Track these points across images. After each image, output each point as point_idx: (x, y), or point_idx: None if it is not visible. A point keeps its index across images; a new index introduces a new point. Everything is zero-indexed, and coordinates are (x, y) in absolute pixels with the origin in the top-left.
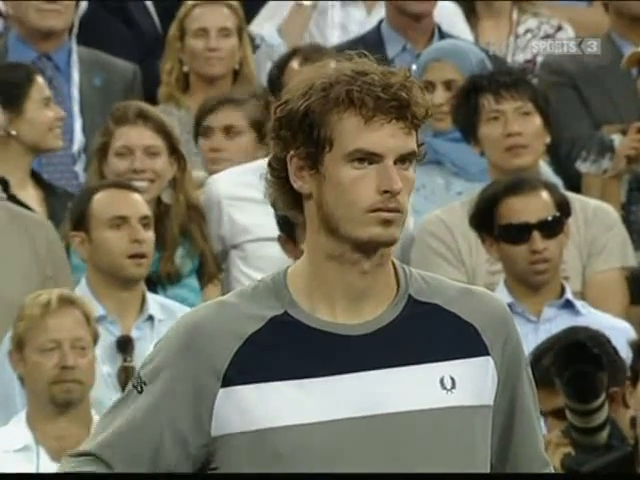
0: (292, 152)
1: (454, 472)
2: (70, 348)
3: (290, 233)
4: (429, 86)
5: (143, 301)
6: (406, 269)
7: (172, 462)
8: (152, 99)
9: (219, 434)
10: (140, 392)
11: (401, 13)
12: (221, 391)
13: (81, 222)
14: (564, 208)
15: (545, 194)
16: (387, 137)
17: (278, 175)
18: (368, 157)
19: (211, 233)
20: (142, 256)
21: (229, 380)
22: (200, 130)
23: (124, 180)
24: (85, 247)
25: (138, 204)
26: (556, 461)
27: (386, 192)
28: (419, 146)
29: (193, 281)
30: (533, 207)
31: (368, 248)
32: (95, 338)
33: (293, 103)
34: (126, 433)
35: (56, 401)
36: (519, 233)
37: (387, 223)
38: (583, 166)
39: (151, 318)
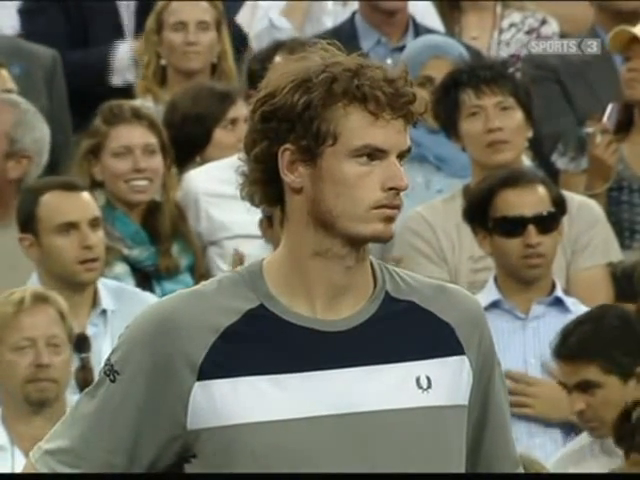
0: (287, 145)
1: (433, 472)
2: (45, 346)
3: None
4: (428, 82)
5: (95, 296)
6: (382, 266)
7: (149, 454)
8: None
9: (194, 428)
10: (113, 381)
11: (373, 9)
12: (197, 385)
13: (29, 225)
14: (560, 205)
15: (542, 189)
16: (393, 133)
17: (263, 169)
18: (373, 153)
19: None
20: (93, 260)
21: (204, 374)
22: None
23: (70, 179)
24: (34, 250)
25: (86, 206)
26: None
27: (391, 189)
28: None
29: (188, 278)
30: (529, 201)
31: (359, 243)
32: (70, 336)
33: (285, 96)
34: (100, 426)
35: (31, 400)
36: (514, 226)
37: (389, 220)
38: (560, 162)
39: (104, 312)
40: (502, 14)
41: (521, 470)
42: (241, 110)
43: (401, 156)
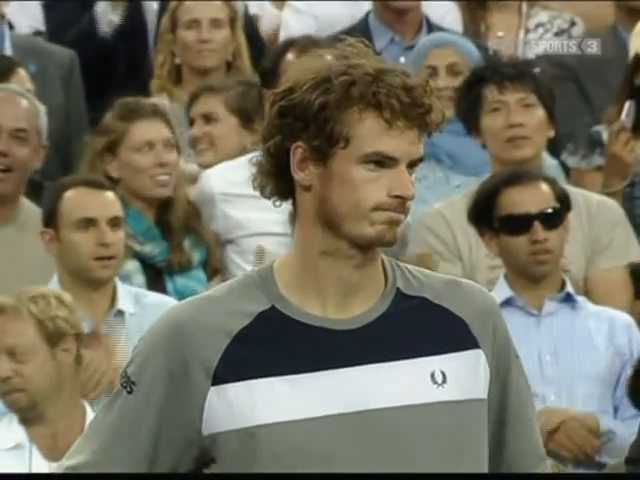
0: (299, 143)
1: (447, 469)
2: (7, 357)
3: None
4: (432, 71)
5: (114, 296)
6: (393, 263)
7: (168, 461)
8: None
9: (210, 432)
10: (130, 392)
11: (386, 8)
12: (212, 389)
13: (51, 219)
14: (564, 201)
15: (545, 186)
16: (406, 143)
17: (275, 163)
18: (383, 160)
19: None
20: (109, 258)
21: (219, 378)
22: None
23: (96, 178)
24: (54, 245)
25: (108, 204)
26: None
27: (397, 197)
28: None
29: (200, 273)
30: (533, 198)
31: (366, 245)
32: (52, 340)
33: (303, 94)
34: (120, 436)
35: (15, 410)
36: (520, 223)
37: (392, 223)
38: (571, 160)
39: (121, 313)
40: (528, 13)
41: (546, 465)
42: (207, 105)
43: (412, 165)
